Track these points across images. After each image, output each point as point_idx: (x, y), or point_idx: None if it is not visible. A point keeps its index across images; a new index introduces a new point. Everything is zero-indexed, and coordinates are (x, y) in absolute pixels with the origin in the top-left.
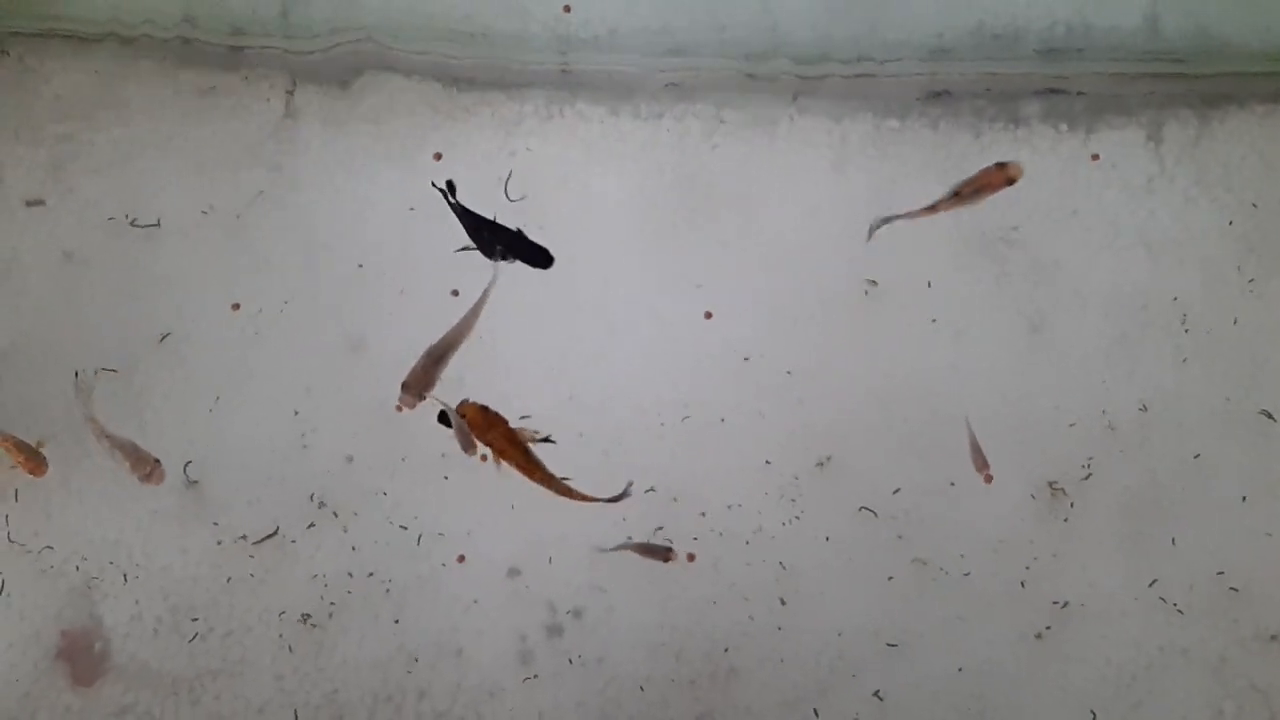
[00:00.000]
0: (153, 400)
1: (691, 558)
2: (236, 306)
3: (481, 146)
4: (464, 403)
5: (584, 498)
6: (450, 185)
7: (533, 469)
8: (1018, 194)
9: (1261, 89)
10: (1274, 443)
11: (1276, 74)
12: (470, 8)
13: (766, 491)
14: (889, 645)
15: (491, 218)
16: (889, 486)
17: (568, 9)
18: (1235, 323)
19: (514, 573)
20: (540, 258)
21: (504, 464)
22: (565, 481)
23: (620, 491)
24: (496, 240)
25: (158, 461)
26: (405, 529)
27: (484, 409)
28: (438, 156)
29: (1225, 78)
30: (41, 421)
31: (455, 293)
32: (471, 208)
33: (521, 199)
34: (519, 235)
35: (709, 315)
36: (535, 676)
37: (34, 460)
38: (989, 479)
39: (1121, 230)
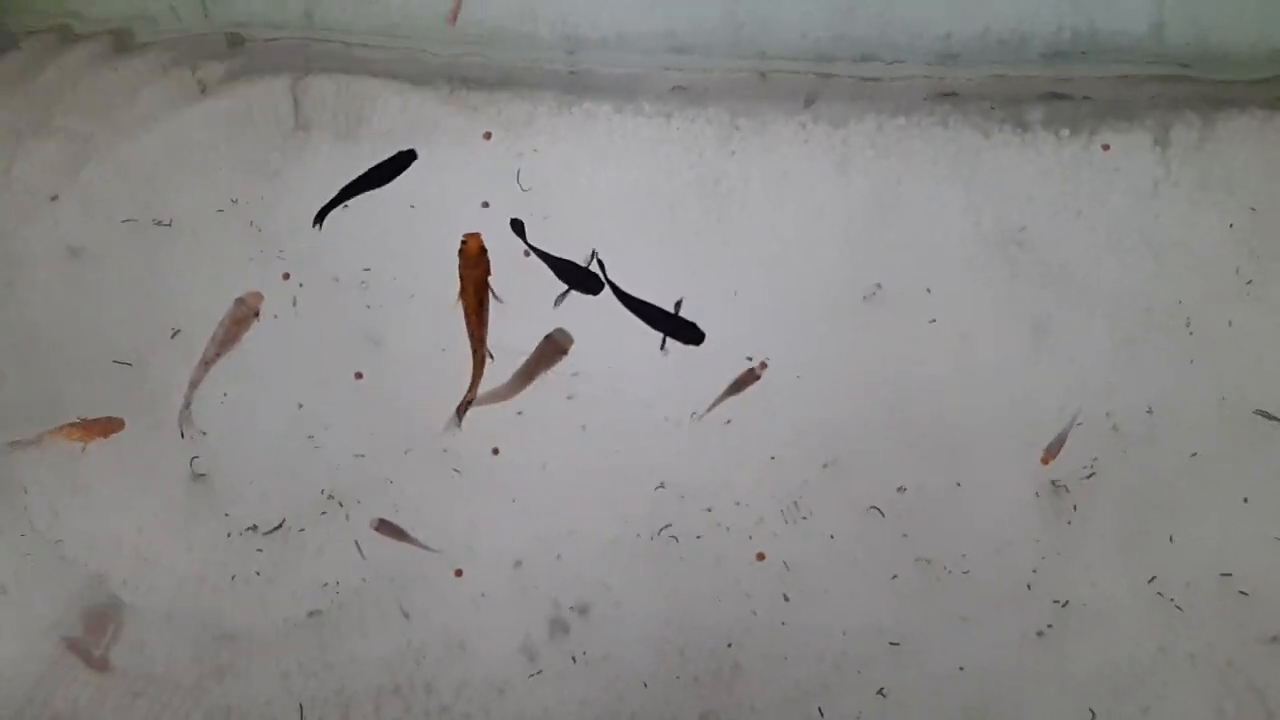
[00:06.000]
0: (166, 395)
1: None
2: (256, 315)
3: (490, 145)
4: (472, 234)
5: (474, 385)
6: (516, 226)
7: (476, 323)
8: (1023, 196)
9: (1265, 94)
10: (1275, 445)
11: (1278, 79)
12: (480, 8)
13: (772, 491)
14: (892, 643)
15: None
16: (893, 485)
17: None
18: (1234, 325)
19: (519, 567)
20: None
21: (458, 302)
22: (486, 354)
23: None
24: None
25: (240, 298)
26: (411, 524)
27: (484, 250)
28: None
29: (1229, 83)
30: (55, 414)
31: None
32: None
33: (529, 190)
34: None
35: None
36: (540, 672)
37: (103, 425)
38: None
39: (1126, 233)
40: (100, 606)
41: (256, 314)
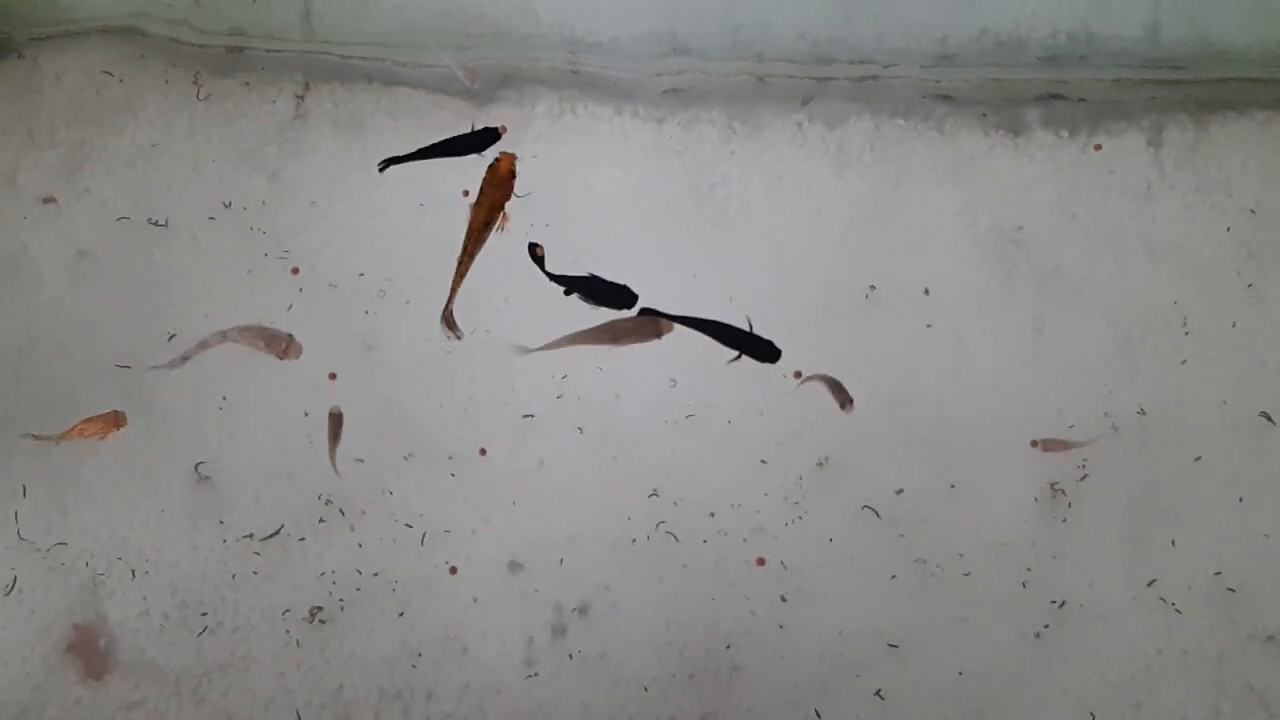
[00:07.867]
0: (163, 397)
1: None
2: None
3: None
4: (507, 153)
5: (453, 293)
6: (533, 249)
7: (474, 240)
8: (1020, 198)
9: (1260, 96)
10: (1272, 445)
11: (1275, 81)
12: (481, 10)
13: (768, 491)
14: (890, 645)
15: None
16: (891, 487)
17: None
18: (1234, 326)
19: (518, 570)
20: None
21: (470, 211)
22: (466, 267)
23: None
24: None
25: (290, 336)
26: (410, 527)
27: (514, 174)
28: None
29: (1224, 84)
30: (56, 416)
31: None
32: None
33: (528, 194)
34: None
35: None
36: (539, 674)
37: (109, 421)
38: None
39: (1122, 234)
40: (99, 608)
41: (282, 356)
